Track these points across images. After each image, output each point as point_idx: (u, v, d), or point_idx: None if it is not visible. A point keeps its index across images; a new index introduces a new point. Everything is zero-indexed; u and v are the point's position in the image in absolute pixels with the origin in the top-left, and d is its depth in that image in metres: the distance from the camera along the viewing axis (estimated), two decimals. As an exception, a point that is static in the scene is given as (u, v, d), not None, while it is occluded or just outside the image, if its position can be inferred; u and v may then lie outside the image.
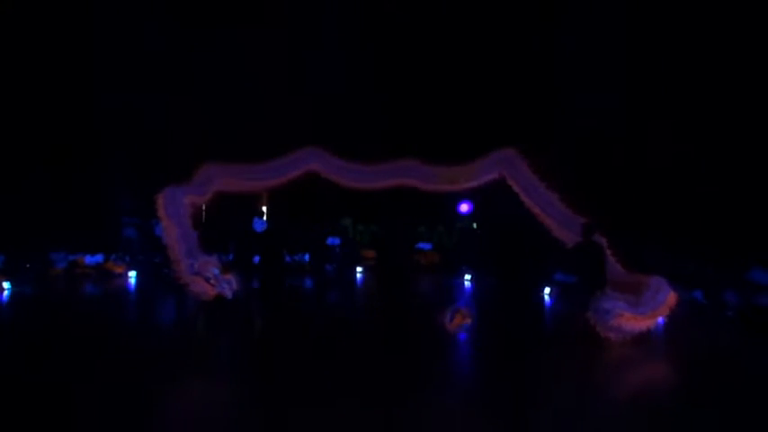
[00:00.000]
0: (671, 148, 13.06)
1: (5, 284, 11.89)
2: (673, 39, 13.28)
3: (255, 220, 13.91)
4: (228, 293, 9.13)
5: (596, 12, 13.88)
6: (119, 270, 14.20)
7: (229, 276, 9.34)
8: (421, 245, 17.00)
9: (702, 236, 11.94)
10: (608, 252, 10.24)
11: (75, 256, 14.15)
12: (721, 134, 12.58)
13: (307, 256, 15.52)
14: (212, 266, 9.31)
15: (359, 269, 15.56)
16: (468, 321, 8.76)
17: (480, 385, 6.97)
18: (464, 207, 16.14)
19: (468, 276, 14.61)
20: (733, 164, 12.46)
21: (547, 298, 12.39)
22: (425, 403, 6.08)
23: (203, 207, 13.42)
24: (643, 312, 8.43)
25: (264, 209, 16.11)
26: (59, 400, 5.93)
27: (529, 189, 10.53)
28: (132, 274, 14.05)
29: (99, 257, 14.29)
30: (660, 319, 9.40)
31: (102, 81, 15.26)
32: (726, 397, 6.55)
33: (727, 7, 12.36)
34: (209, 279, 9.14)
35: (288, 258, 15.25)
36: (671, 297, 8.76)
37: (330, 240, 15.93)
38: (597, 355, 8.30)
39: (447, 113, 15.40)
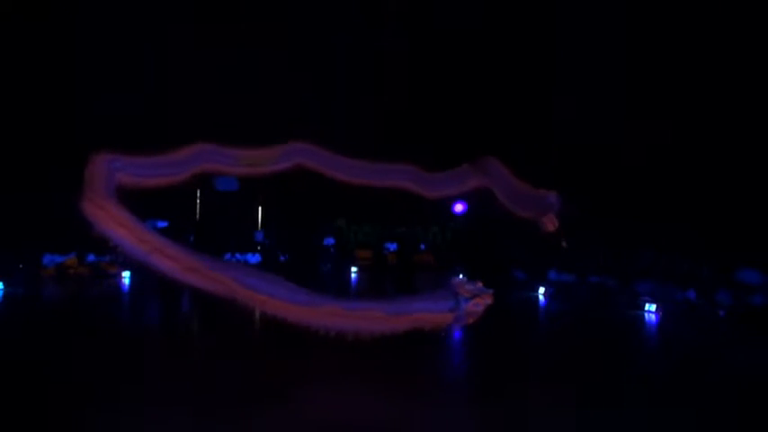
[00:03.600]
0: (665, 149, 13.19)
1: (-2, 285, 11.82)
2: (666, 38, 13.41)
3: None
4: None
5: (592, 14, 13.98)
6: (112, 270, 14.13)
7: (478, 283, 8.50)
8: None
9: (695, 236, 12.06)
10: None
11: (68, 257, 14.03)
12: (715, 136, 12.72)
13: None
14: (468, 284, 8.32)
15: (353, 269, 15.62)
16: None
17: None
18: (458, 207, 16.17)
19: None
20: (726, 164, 12.61)
21: (541, 297, 12.50)
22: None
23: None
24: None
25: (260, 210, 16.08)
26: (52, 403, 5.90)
27: (335, 166, 10.52)
28: (126, 274, 13.97)
29: (92, 258, 14.19)
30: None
31: (91, 82, 15.19)
32: (716, 394, 6.64)
33: (724, 8, 12.51)
34: (479, 294, 8.19)
35: (282, 258, 15.26)
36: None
37: (325, 241, 15.97)
38: (590, 352, 8.40)
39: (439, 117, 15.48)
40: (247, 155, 10.15)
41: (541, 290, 12.59)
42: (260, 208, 16.06)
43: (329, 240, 15.64)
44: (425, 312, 7.54)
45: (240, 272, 7.34)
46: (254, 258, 15.57)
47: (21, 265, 13.10)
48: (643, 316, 10.66)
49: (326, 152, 10.37)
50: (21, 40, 14.60)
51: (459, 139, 13.99)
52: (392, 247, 16.13)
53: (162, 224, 13.08)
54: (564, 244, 13.08)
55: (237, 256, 15.47)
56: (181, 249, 7.57)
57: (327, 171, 10.45)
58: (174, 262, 7.19)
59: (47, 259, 13.89)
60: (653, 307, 10.76)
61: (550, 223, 9.36)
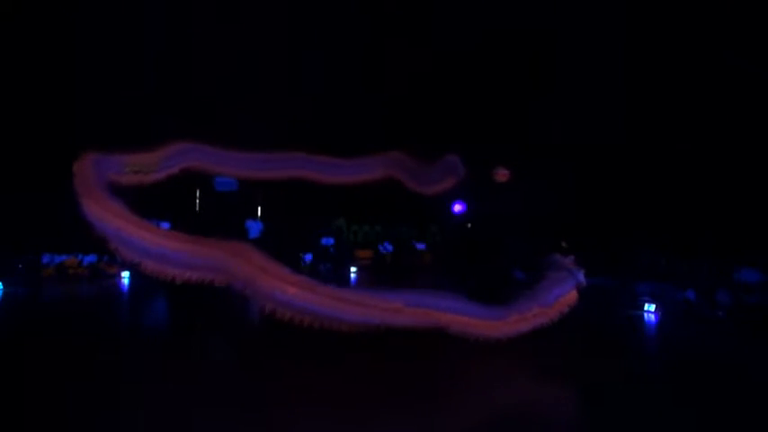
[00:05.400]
0: (664, 149, 13.19)
1: (-2, 285, 11.82)
2: (667, 40, 13.41)
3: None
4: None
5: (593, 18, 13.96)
6: (111, 270, 14.14)
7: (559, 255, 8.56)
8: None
9: (695, 236, 12.07)
10: None
11: (67, 257, 14.04)
12: (714, 135, 12.73)
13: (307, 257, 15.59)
14: (566, 259, 8.48)
15: (353, 269, 15.63)
16: None
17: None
18: (457, 207, 16.17)
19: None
20: (726, 164, 12.61)
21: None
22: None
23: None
24: None
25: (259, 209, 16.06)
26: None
27: (223, 162, 10.39)
28: (125, 274, 13.97)
29: (92, 258, 14.19)
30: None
31: (90, 81, 15.14)
32: (716, 394, 6.65)
33: (725, 11, 12.51)
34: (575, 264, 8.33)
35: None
36: None
37: (324, 241, 15.97)
38: (589, 351, 8.41)
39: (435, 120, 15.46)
40: (131, 160, 9.87)
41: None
42: (259, 207, 16.05)
43: (328, 240, 15.66)
44: (566, 295, 8.06)
45: (431, 300, 7.36)
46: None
47: (20, 265, 13.11)
48: (643, 316, 10.67)
49: (212, 149, 10.20)
50: (21, 41, 14.58)
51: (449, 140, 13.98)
52: (389, 247, 16.20)
53: (164, 225, 13.08)
54: (564, 244, 13.06)
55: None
56: (363, 292, 7.44)
57: (216, 168, 10.34)
58: (365, 309, 6.92)
59: (47, 259, 13.90)
60: (653, 307, 10.78)
61: (502, 176, 9.40)
